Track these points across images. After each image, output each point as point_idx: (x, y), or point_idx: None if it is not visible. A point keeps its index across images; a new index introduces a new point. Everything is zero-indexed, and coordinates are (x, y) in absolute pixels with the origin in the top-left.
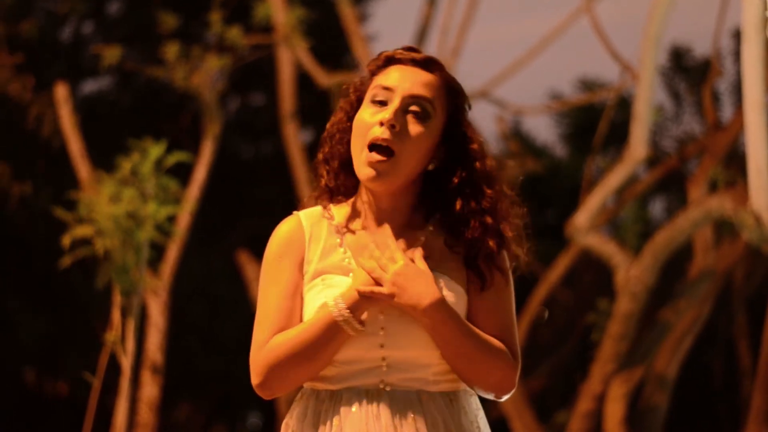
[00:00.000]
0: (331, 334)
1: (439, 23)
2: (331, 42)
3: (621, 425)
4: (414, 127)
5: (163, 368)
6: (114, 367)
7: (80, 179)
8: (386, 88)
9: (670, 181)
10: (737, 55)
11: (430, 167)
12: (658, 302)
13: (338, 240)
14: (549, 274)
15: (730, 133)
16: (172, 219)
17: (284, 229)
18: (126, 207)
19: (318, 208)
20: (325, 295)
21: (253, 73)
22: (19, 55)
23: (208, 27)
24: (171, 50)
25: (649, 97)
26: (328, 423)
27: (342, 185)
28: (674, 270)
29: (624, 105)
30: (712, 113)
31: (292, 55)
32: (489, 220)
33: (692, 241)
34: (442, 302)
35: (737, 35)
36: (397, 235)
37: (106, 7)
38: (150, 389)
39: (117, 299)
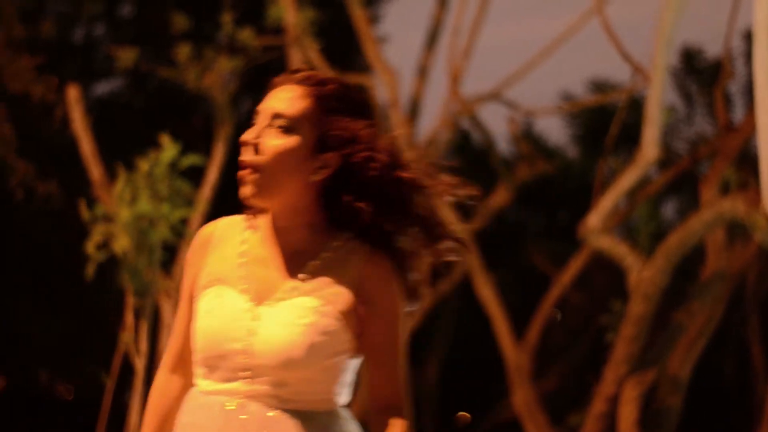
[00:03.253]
0: None
1: (451, 24)
2: (342, 43)
3: (634, 427)
4: (275, 141)
5: None
6: (127, 368)
7: (93, 181)
8: (256, 112)
9: (683, 182)
10: (748, 56)
11: (316, 179)
12: (671, 304)
13: (244, 248)
14: (561, 276)
15: (741, 135)
16: (184, 220)
17: (197, 235)
18: (140, 209)
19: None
20: (214, 306)
21: (265, 74)
22: (39, 56)
23: (219, 28)
24: (183, 51)
25: (660, 99)
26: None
27: None
28: (687, 272)
29: (636, 106)
30: (724, 115)
31: (303, 57)
32: (377, 232)
33: (704, 242)
34: None
35: (748, 36)
36: (288, 256)
37: (118, 8)
38: None
39: (130, 301)
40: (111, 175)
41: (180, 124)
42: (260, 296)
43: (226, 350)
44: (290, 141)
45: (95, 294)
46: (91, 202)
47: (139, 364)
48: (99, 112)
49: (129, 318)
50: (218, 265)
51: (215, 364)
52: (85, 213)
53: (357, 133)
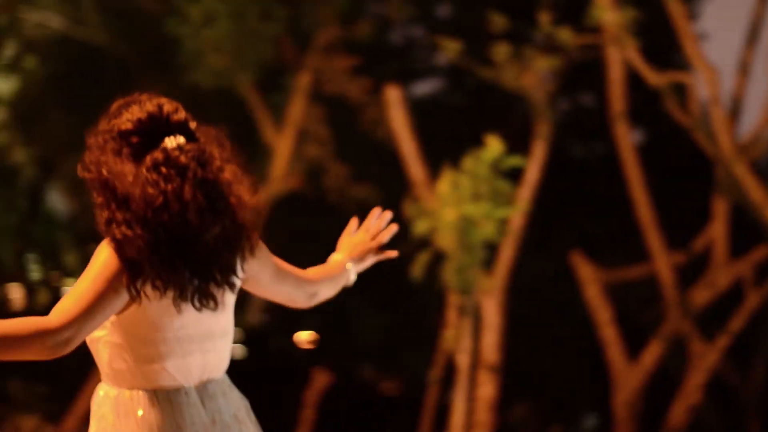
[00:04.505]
0: None
1: None
2: (660, 40)
3: None
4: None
5: (499, 368)
6: (450, 365)
7: (413, 181)
8: None
9: None
10: None
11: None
12: None
13: None
14: None
15: None
16: (505, 220)
17: None
18: (464, 209)
19: None
20: None
21: (583, 73)
22: (355, 57)
23: (537, 27)
24: (501, 51)
25: None
26: None
27: None
28: None
29: None
30: None
31: (621, 55)
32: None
33: None
34: None
35: None
36: None
37: (436, 9)
38: (486, 388)
39: (453, 299)
40: (433, 175)
41: (498, 124)
42: None
43: None
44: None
45: (418, 291)
46: (413, 202)
47: (462, 362)
48: (417, 113)
49: (452, 316)
50: None
51: None
52: (408, 210)
53: (89, 159)
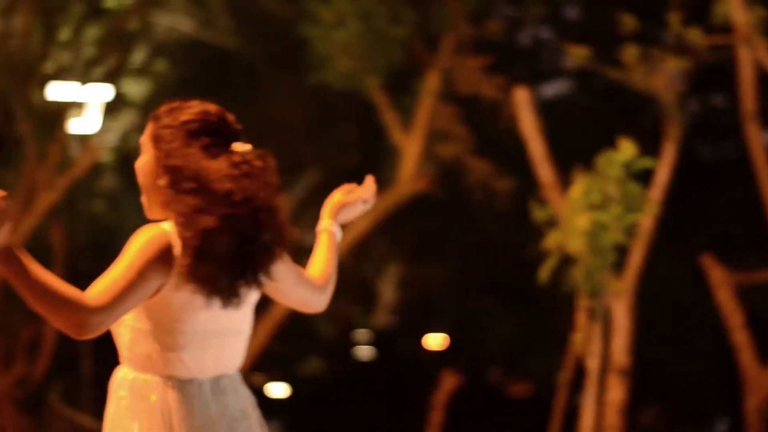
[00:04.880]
0: None
1: None
2: None
3: None
4: (138, 162)
5: (628, 371)
6: (579, 369)
7: (541, 182)
8: None
9: None
10: None
11: (161, 183)
12: None
13: None
14: None
15: None
16: (636, 223)
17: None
18: (594, 214)
19: None
20: None
21: (714, 74)
22: (486, 56)
23: (666, 28)
24: (630, 52)
25: None
26: None
27: None
28: None
29: None
30: None
31: (752, 55)
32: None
33: None
34: (3, 251)
35: None
36: None
37: (564, 10)
38: (616, 392)
39: (582, 302)
40: (560, 177)
41: (627, 125)
42: None
43: None
44: (142, 159)
45: (546, 294)
46: (541, 204)
47: (592, 365)
48: (546, 114)
49: (581, 319)
50: None
51: None
52: (536, 214)
53: (163, 144)
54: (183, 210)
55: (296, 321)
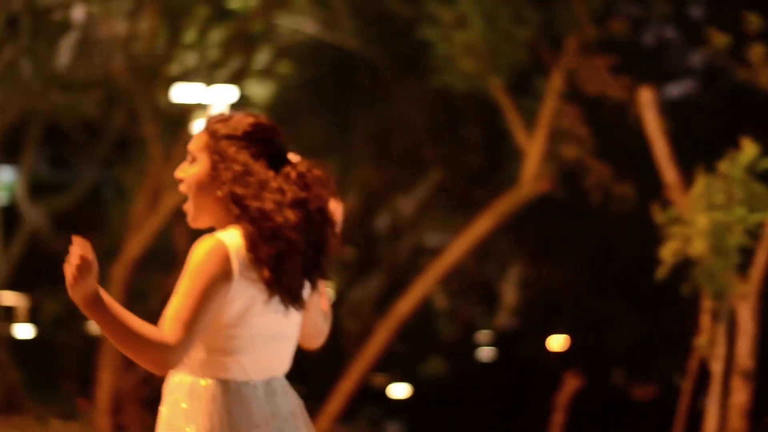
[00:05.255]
0: None
1: None
2: None
3: None
4: (187, 171)
5: (753, 374)
6: (704, 371)
7: (666, 183)
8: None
9: None
10: None
11: (220, 194)
12: None
13: None
14: None
15: None
16: (760, 224)
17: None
18: (717, 215)
19: None
20: None
21: None
22: (611, 56)
23: None
24: (755, 52)
25: None
26: None
27: None
28: None
29: None
30: None
31: None
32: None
33: None
34: (90, 299)
35: None
36: None
37: (689, 9)
38: (740, 395)
39: (707, 304)
40: (685, 178)
41: (755, 125)
42: None
43: None
44: (193, 169)
45: (670, 296)
46: (665, 205)
47: (716, 368)
48: (671, 114)
49: (705, 321)
50: None
51: None
52: (659, 216)
53: (226, 153)
54: (258, 218)
55: (418, 322)
